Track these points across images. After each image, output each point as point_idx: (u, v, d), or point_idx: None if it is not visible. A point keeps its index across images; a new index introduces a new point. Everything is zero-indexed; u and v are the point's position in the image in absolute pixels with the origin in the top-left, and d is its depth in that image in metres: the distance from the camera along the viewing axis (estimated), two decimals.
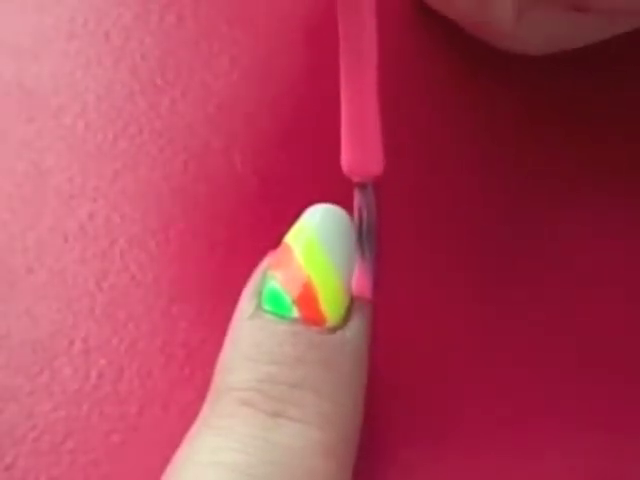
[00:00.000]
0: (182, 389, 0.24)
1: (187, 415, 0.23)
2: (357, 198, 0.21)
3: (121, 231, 0.26)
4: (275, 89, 0.28)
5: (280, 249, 0.22)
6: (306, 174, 0.27)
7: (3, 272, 0.25)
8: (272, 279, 0.21)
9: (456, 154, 0.27)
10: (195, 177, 0.27)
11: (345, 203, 0.22)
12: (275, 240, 0.22)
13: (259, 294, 0.21)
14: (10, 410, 0.24)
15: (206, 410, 0.21)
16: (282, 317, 0.21)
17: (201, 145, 0.27)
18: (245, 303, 0.21)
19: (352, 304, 0.21)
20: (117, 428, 0.24)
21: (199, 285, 0.26)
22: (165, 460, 0.21)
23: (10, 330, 0.25)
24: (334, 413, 0.20)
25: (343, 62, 0.20)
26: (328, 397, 0.20)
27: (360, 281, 0.21)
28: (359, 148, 0.20)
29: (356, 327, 0.21)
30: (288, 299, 0.21)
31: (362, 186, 0.21)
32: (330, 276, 0.21)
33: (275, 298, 0.21)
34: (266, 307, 0.21)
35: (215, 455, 0.20)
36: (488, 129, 0.28)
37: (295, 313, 0.21)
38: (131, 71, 0.28)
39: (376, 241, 0.22)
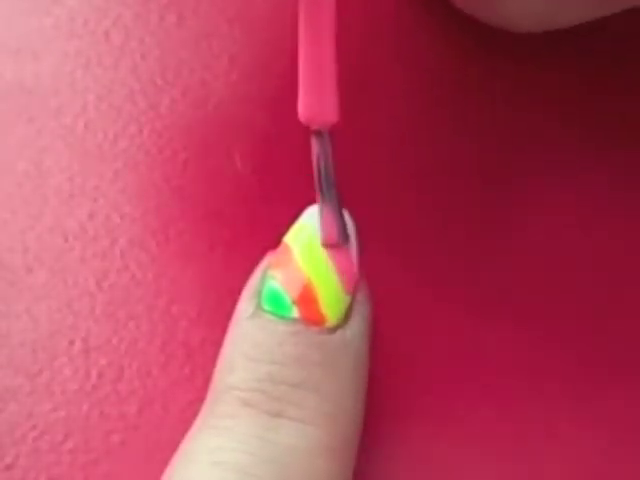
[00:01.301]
0: (182, 389, 0.24)
1: (187, 415, 0.23)
2: (314, 146, 0.21)
3: (121, 231, 0.26)
4: (275, 89, 0.28)
5: (280, 249, 0.22)
6: (305, 174, 0.27)
7: (3, 272, 0.25)
8: (272, 279, 0.21)
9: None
10: (195, 177, 0.27)
11: (344, 203, 0.22)
12: (275, 240, 0.22)
13: (259, 294, 0.21)
14: (10, 410, 0.24)
15: (206, 410, 0.21)
16: (282, 317, 0.21)
17: (201, 145, 0.27)
18: (245, 303, 0.21)
19: (352, 304, 0.21)
20: (117, 428, 0.24)
21: (199, 285, 0.26)
22: (165, 460, 0.21)
23: (10, 330, 0.25)
24: (334, 413, 0.20)
25: (301, 9, 0.20)
26: (328, 397, 0.20)
27: (326, 228, 0.22)
28: (316, 96, 0.21)
29: (356, 327, 0.21)
30: (288, 299, 0.21)
31: (319, 134, 0.21)
32: (330, 276, 0.21)
33: (275, 298, 0.21)
34: (266, 307, 0.21)
35: (216, 455, 0.20)
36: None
37: (295, 313, 0.21)
38: (131, 71, 0.28)
39: (336, 188, 0.22)
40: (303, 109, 0.21)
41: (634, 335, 0.25)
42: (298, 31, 0.20)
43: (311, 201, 0.22)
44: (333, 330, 0.21)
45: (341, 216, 0.22)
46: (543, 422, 0.24)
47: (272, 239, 0.22)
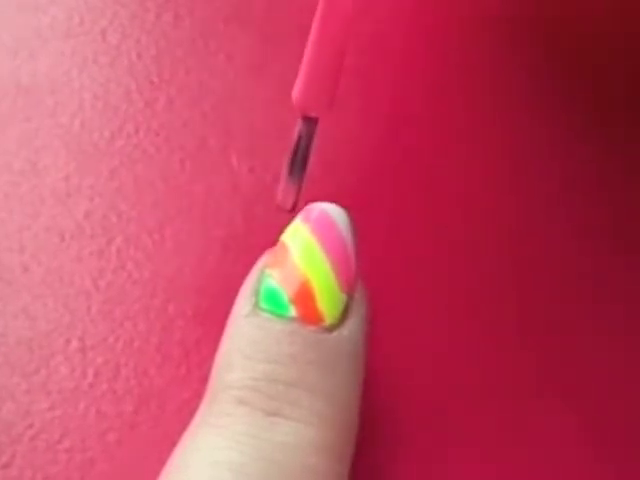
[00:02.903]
0: (178, 387, 0.24)
1: (184, 413, 0.23)
2: (300, 127, 0.22)
3: (118, 230, 0.26)
4: (271, 87, 0.28)
5: (277, 248, 0.22)
6: None
7: (0, 271, 0.25)
8: (269, 277, 0.21)
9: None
10: (191, 175, 0.27)
11: (342, 202, 0.22)
12: (271, 239, 0.22)
13: (257, 292, 0.21)
14: (7, 409, 0.24)
15: (203, 408, 0.21)
16: (279, 316, 0.21)
17: (197, 143, 0.27)
18: (243, 301, 0.21)
19: (350, 303, 0.21)
20: (113, 427, 0.24)
21: (195, 284, 0.26)
22: (162, 459, 0.21)
23: (6, 329, 0.25)
24: (330, 412, 0.20)
25: None
26: (324, 396, 0.20)
27: (284, 198, 0.23)
28: (316, 84, 0.21)
29: (353, 327, 0.21)
30: (285, 297, 0.21)
31: (308, 119, 0.22)
32: (327, 275, 0.21)
33: (272, 297, 0.21)
34: (263, 306, 0.21)
35: (213, 454, 0.20)
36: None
37: (292, 312, 0.21)
38: (127, 69, 0.28)
39: (306, 169, 0.23)
40: (300, 95, 0.21)
41: None
42: (315, 15, 0.20)
43: (309, 200, 0.22)
44: (330, 329, 0.21)
45: (299, 191, 0.23)
46: (544, 430, 0.24)
47: (268, 238, 0.22)
